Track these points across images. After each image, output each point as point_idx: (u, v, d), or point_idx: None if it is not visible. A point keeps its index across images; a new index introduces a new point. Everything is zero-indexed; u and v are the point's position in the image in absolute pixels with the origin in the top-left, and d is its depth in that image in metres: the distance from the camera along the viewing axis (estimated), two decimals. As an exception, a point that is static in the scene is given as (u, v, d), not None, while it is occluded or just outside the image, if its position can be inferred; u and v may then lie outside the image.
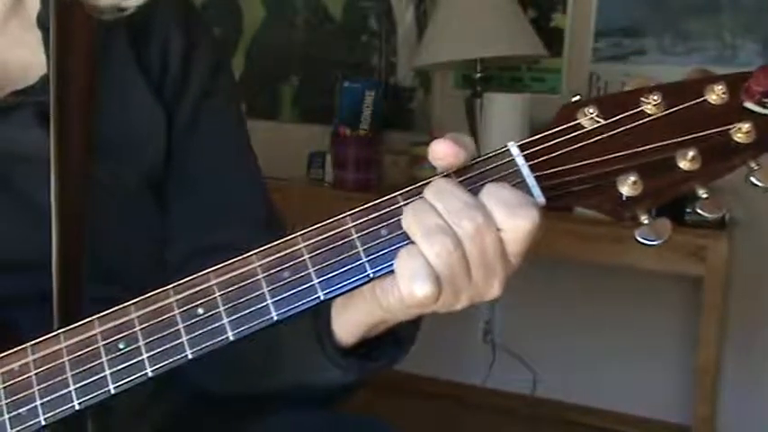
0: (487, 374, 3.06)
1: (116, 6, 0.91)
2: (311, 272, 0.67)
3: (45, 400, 0.71)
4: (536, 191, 0.66)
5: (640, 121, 0.66)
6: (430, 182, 0.67)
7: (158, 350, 0.69)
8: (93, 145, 0.86)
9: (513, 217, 0.64)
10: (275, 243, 0.68)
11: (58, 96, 0.85)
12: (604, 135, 0.66)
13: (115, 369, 0.69)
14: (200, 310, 0.68)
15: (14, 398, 0.71)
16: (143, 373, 0.69)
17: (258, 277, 0.68)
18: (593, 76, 2.80)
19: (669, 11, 2.70)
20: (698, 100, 0.66)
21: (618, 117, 0.66)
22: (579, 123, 0.67)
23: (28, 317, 0.76)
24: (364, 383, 0.84)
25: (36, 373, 0.71)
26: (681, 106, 0.66)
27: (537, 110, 2.48)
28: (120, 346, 0.69)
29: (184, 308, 0.69)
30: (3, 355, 0.73)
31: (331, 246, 0.67)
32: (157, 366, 0.69)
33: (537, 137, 0.67)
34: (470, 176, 0.67)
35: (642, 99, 0.66)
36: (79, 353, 0.70)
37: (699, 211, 0.65)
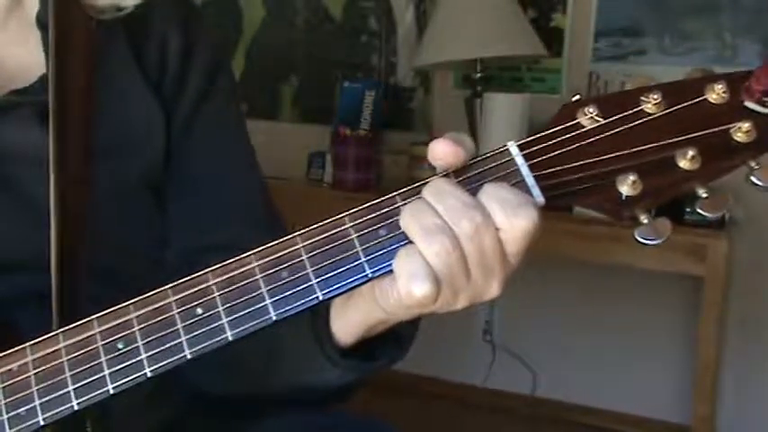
0: (487, 374, 3.06)
1: (114, 6, 0.91)
2: (310, 272, 0.67)
3: (44, 399, 0.70)
4: (535, 190, 0.66)
5: (640, 121, 0.66)
6: (429, 182, 0.67)
7: (157, 350, 0.69)
8: (92, 144, 0.86)
9: (512, 217, 0.64)
10: (274, 243, 0.68)
11: (57, 96, 0.85)
12: (604, 134, 0.66)
13: (114, 369, 0.69)
14: (199, 310, 0.68)
15: (13, 398, 0.71)
16: (142, 373, 0.69)
17: (257, 277, 0.68)
18: (593, 76, 2.80)
19: (669, 11, 2.70)
20: (698, 99, 0.66)
21: (617, 116, 0.66)
22: (579, 123, 0.66)
23: (27, 317, 0.76)
24: (364, 383, 0.84)
25: (35, 373, 0.71)
26: (681, 105, 0.66)
27: (537, 110, 2.48)
28: (119, 346, 0.69)
29: (183, 308, 0.69)
30: (2, 354, 0.73)
31: (329, 246, 0.67)
32: (156, 366, 0.69)
33: (536, 136, 0.67)
34: (469, 176, 0.67)
35: (642, 98, 0.66)
36: (78, 353, 0.70)
37: (699, 210, 0.65)
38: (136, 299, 0.70)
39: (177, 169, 0.94)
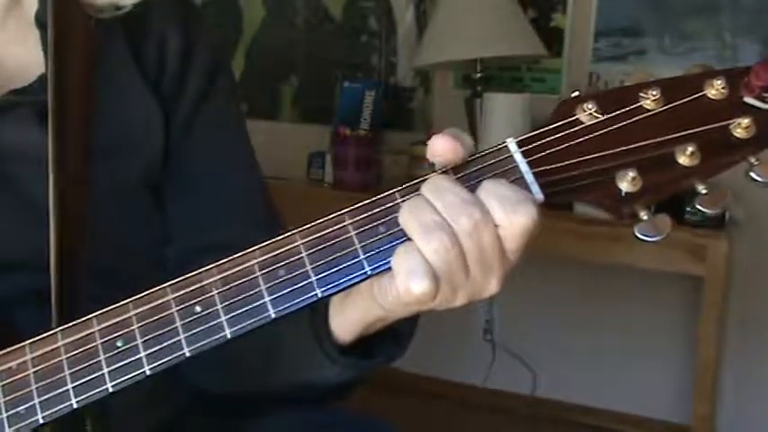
0: (487, 374, 3.05)
1: (113, 5, 0.91)
2: (309, 269, 0.67)
3: (43, 398, 0.70)
4: (534, 187, 0.66)
5: (639, 117, 0.66)
6: (427, 179, 0.67)
7: (156, 348, 0.69)
8: (91, 144, 0.86)
9: (510, 213, 0.64)
10: (272, 241, 0.68)
11: (56, 95, 0.85)
12: (603, 131, 0.66)
13: (113, 367, 0.69)
14: (198, 308, 0.68)
15: (12, 396, 0.71)
16: (141, 371, 0.69)
17: (256, 275, 0.68)
18: (593, 76, 2.80)
19: (669, 11, 2.70)
20: (697, 95, 0.66)
21: (616, 112, 0.66)
22: (578, 119, 0.66)
23: (27, 316, 0.76)
24: (362, 381, 0.84)
25: (34, 372, 0.71)
26: (680, 101, 0.65)
27: (537, 110, 2.49)
28: (118, 344, 0.69)
29: (182, 306, 0.69)
30: (1, 353, 0.73)
31: (328, 243, 0.67)
32: (155, 364, 0.69)
33: (535, 132, 0.67)
34: (468, 173, 0.67)
35: (641, 94, 0.66)
36: (77, 351, 0.70)
37: (698, 206, 0.65)
38: (135, 297, 0.70)
39: (177, 169, 0.94)
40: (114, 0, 0.91)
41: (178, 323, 0.68)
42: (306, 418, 0.95)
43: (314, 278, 0.67)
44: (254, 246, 0.69)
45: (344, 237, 0.67)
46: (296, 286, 0.67)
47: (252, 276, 0.68)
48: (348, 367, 0.80)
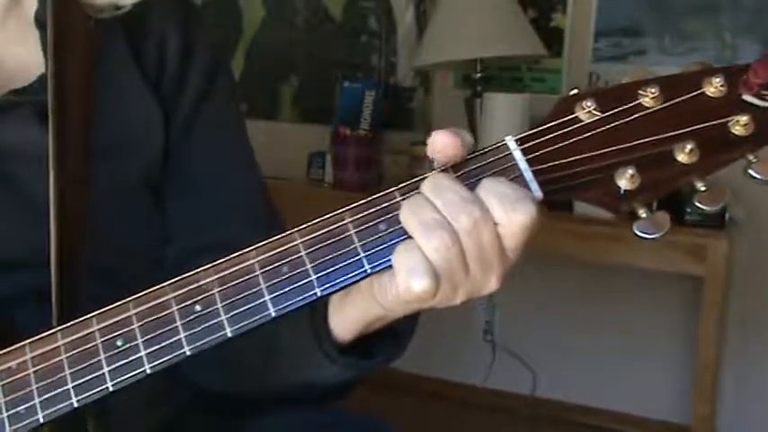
0: (487, 374, 3.05)
1: (113, 5, 0.91)
2: (309, 268, 0.67)
3: (43, 397, 0.71)
4: (533, 185, 0.66)
5: (638, 114, 0.66)
6: (427, 177, 0.67)
7: (156, 347, 0.69)
8: (91, 144, 0.86)
9: (510, 212, 0.64)
10: (272, 239, 0.68)
11: (56, 95, 0.85)
12: (602, 128, 0.66)
13: (113, 366, 0.69)
14: (198, 307, 0.68)
15: (13, 396, 0.71)
16: (141, 370, 0.69)
17: (256, 273, 0.68)
18: (594, 76, 2.80)
19: (669, 11, 2.70)
20: (696, 92, 0.66)
21: (615, 110, 0.66)
22: (576, 117, 0.66)
23: (27, 315, 0.76)
24: (362, 381, 0.84)
25: (34, 371, 0.71)
26: (679, 99, 0.65)
27: (537, 110, 2.48)
28: (118, 343, 0.69)
29: (182, 305, 0.69)
30: (1, 352, 0.73)
31: (328, 241, 0.67)
32: (155, 363, 0.69)
33: (534, 130, 0.67)
34: (468, 171, 0.67)
35: (640, 92, 0.66)
36: (77, 350, 0.70)
37: (697, 204, 0.65)
38: (135, 296, 0.70)
39: (177, 169, 0.94)
40: (114, 0, 0.90)
41: (178, 322, 0.68)
42: (306, 418, 0.95)
43: (314, 276, 0.67)
44: (254, 244, 0.69)
45: (344, 235, 0.67)
46: (296, 285, 0.67)
47: (252, 275, 0.68)
48: (347, 367, 0.80)
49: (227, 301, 0.68)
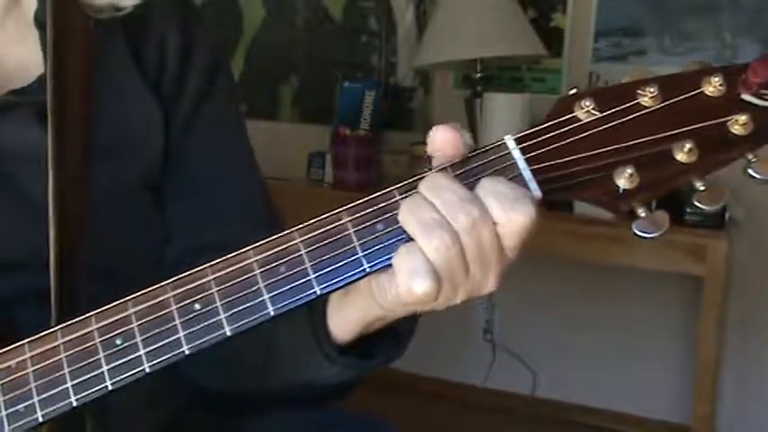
0: (487, 374, 3.05)
1: (113, 5, 0.91)
2: (308, 267, 0.67)
3: (42, 396, 0.71)
4: (532, 184, 0.66)
5: (637, 114, 0.66)
6: (425, 176, 0.67)
7: (155, 346, 0.69)
8: (91, 144, 0.86)
9: (509, 211, 0.64)
10: (272, 238, 0.68)
11: (56, 95, 0.85)
12: (601, 128, 0.66)
13: (112, 365, 0.69)
14: (198, 306, 0.68)
15: (12, 395, 0.71)
16: (140, 368, 0.69)
17: (255, 273, 0.68)
18: (593, 76, 2.80)
19: (669, 11, 2.70)
20: (695, 92, 0.66)
21: (614, 110, 0.66)
22: (575, 116, 0.66)
23: (27, 315, 0.76)
24: (362, 381, 0.84)
25: (33, 370, 0.71)
26: (677, 98, 0.65)
27: (537, 110, 2.48)
28: (118, 342, 0.69)
29: (181, 304, 0.69)
30: (0, 351, 0.72)
31: (327, 241, 0.67)
32: (155, 362, 0.69)
33: (533, 130, 0.67)
34: (467, 170, 0.67)
35: (639, 91, 0.66)
36: (76, 349, 0.70)
37: (696, 203, 0.65)
38: (134, 295, 0.70)
39: (177, 169, 0.94)
40: (114, 1, 0.90)
41: (177, 321, 0.68)
42: (305, 418, 0.95)
43: (312, 276, 0.67)
44: (253, 243, 0.69)
45: (343, 235, 0.67)
46: (295, 284, 0.67)
47: (251, 274, 0.68)
48: (347, 367, 0.80)
49: (226, 300, 0.68)
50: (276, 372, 0.87)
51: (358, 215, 0.67)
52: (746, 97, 0.65)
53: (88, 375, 0.69)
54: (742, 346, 2.73)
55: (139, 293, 0.70)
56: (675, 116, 0.65)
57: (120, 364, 0.69)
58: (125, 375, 0.69)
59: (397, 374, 2.39)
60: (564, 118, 0.67)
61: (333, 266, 0.67)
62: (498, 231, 0.65)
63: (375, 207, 0.67)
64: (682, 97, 0.66)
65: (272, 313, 0.67)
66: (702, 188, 0.65)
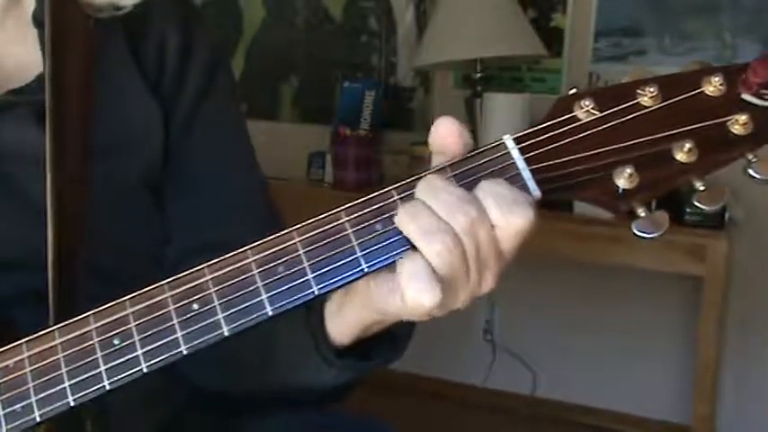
0: (487, 374, 3.05)
1: (112, 5, 0.90)
2: (306, 266, 0.67)
3: (40, 396, 0.70)
4: (531, 184, 0.66)
5: (636, 114, 0.65)
6: (422, 177, 0.66)
7: (153, 346, 0.68)
8: (90, 144, 0.86)
9: (507, 214, 0.64)
10: (270, 238, 0.68)
11: (54, 95, 0.85)
12: (600, 128, 0.66)
13: (110, 365, 0.69)
14: (196, 306, 0.68)
15: (9, 394, 0.71)
16: (138, 368, 0.69)
17: (253, 272, 0.68)
18: (593, 76, 2.80)
19: (669, 11, 2.70)
20: (695, 92, 0.65)
21: (614, 109, 0.66)
22: (575, 116, 0.66)
23: (26, 315, 0.76)
24: (360, 383, 0.84)
25: (31, 370, 0.71)
26: (677, 98, 0.65)
27: (537, 110, 2.48)
28: (115, 342, 0.69)
29: (179, 303, 0.68)
30: (-2, 351, 0.72)
31: (325, 241, 0.67)
32: (152, 362, 0.69)
33: (532, 130, 0.67)
34: (465, 170, 0.67)
35: (638, 91, 0.65)
36: (74, 349, 0.70)
37: (696, 203, 0.65)
38: (132, 294, 0.70)
39: (177, 169, 0.94)
40: (113, 0, 0.90)
41: (175, 321, 0.68)
42: (304, 419, 0.95)
43: (310, 276, 0.67)
44: (252, 243, 0.69)
45: (341, 234, 0.67)
46: (293, 283, 0.67)
47: (249, 274, 0.68)
48: (344, 369, 0.80)
49: (224, 300, 0.68)
50: (273, 372, 0.87)
51: (356, 215, 0.67)
52: (746, 97, 0.65)
53: (86, 375, 0.69)
54: (742, 346, 2.73)
55: (137, 293, 0.70)
56: (675, 116, 0.65)
57: (117, 364, 0.69)
58: (123, 375, 0.69)
59: (397, 375, 2.39)
60: (563, 118, 0.67)
61: (331, 266, 0.67)
62: (496, 234, 0.65)
63: (373, 207, 0.67)
64: (682, 97, 0.65)
65: (271, 313, 0.67)
66: (702, 188, 0.65)
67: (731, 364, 2.72)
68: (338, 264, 0.66)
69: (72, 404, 0.70)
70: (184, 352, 0.68)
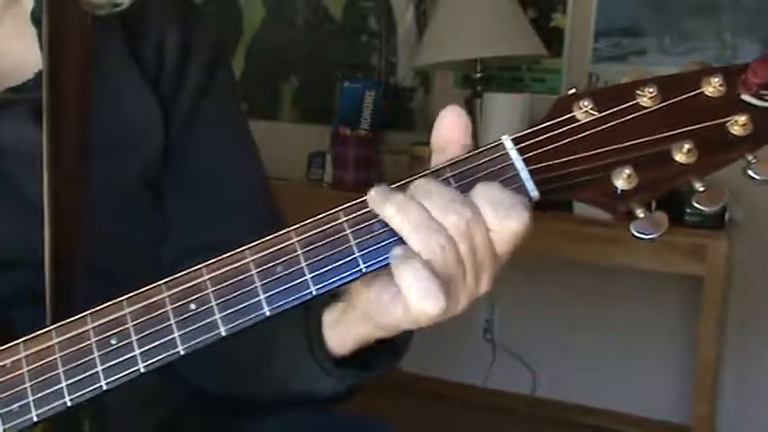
0: (487, 374, 3.05)
1: (111, 2, 0.90)
2: (304, 266, 0.66)
3: (37, 396, 0.70)
4: (530, 184, 0.66)
5: (635, 114, 0.65)
6: (417, 178, 0.66)
7: (150, 346, 0.68)
8: (88, 142, 0.86)
9: (503, 219, 0.63)
10: (268, 238, 0.68)
11: (52, 93, 0.84)
12: (599, 128, 0.65)
13: (107, 365, 0.69)
14: (193, 306, 0.68)
15: (6, 394, 0.71)
16: (135, 368, 0.68)
17: (251, 272, 0.67)
18: (593, 76, 2.80)
19: (669, 11, 2.70)
20: (694, 92, 0.65)
21: (613, 110, 0.65)
22: (574, 116, 0.66)
23: (24, 315, 0.76)
24: (362, 387, 0.84)
25: (28, 370, 0.71)
26: (677, 99, 0.65)
27: (537, 110, 2.48)
28: (113, 341, 0.69)
29: (177, 303, 0.68)
30: (-5, 351, 0.72)
31: (324, 241, 0.67)
32: (149, 362, 0.68)
33: (531, 130, 0.67)
34: (464, 170, 0.66)
35: (638, 92, 0.65)
36: (71, 349, 0.70)
37: (695, 204, 0.64)
38: (129, 294, 0.70)
39: (177, 168, 0.94)
40: None
41: (172, 321, 0.68)
42: (304, 419, 0.95)
43: (308, 276, 0.66)
44: (250, 243, 0.69)
45: (340, 234, 0.66)
46: (291, 284, 0.67)
47: (247, 274, 0.67)
48: (343, 379, 0.80)
49: (222, 300, 0.67)
50: (271, 374, 0.87)
51: (355, 215, 0.67)
52: (746, 98, 0.64)
53: (83, 375, 0.69)
54: (742, 346, 2.73)
55: (134, 293, 0.69)
56: (675, 116, 0.65)
57: (114, 364, 0.69)
58: (120, 375, 0.69)
59: (397, 374, 2.38)
60: (562, 118, 0.66)
61: (329, 267, 0.66)
62: (491, 237, 0.65)
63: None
64: (681, 97, 0.65)
65: (268, 313, 0.67)
66: (702, 189, 0.65)
67: (731, 364, 2.72)
68: (336, 264, 0.66)
69: (69, 404, 0.70)
70: (182, 352, 0.68)
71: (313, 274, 0.66)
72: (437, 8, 2.72)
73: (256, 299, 0.67)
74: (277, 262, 0.67)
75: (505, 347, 3.03)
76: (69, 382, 0.69)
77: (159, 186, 0.93)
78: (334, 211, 0.67)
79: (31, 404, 0.70)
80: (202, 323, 0.68)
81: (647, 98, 0.65)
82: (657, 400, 2.85)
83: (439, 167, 0.67)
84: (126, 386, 0.69)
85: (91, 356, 0.69)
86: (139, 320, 0.69)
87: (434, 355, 2.88)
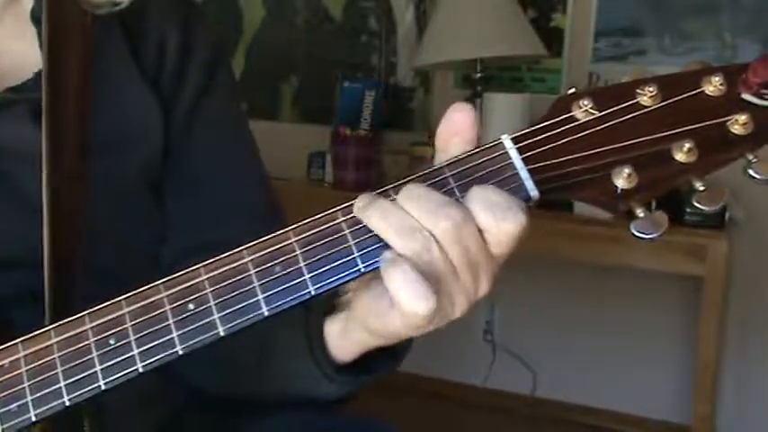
0: (487, 374, 3.05)
1: (110, 1, 0.90)
2: (302, 266, 0.66)
3: (35, 395, 0.70)
4: (529, 184, 0.65)
5: (636, 113, 0.65)
6: (405, 183, 0.66)
7: (149, 346, 0.68)
8: (88, 141, 0.86)
9: (500, 220, 0.63)
10: (266, 238, 0.68)
11: (51, 92, 0.84)
12: (599, 127, 0.65)
13: (106, 365, 0.69)
14: (191, 306, 0.68)
15: (5, 394, 0.71)
16: (133, 368, 0.68)
17: (250, 272, 0.67)
18: (593, 76, 2.80)
19: (669, 11, 2.71)
20: (695, 91, 0.65)
21: (612, 109, 0.65)
22: (573, 116, 0.66)
23: (24, 315, 0.75)
24: (362, 391, 0.84)
25: (26, 369, 0.70)
26: (677, 98, 0.65)
27: (537, 110, 2.48)
28: (111, 341, 0.69)
29: (175, 303, 0.68)
30: (-7, 350, 0.72)
31: (322, 240, 0.66)
32: (148, 362, 0.68)
33: (530, 129, 0.66)
34: (463, 169, 0.66)
35: (638, 91, 0.65)
36: (70, 349, 0.70)
37: (696, 203, 0.64)
38: (128, 294, 0.70)
39: (177, 167, 0.94)
40: None
41: (171, 321, 0.68)
42: (304, 420, 0.95)
43: (307, 276, 0.66)
44: (249, 243, 0.68)
45: (338, 234, 0.66)
46: (289, 284, 0.66)
47: (246, 274, 0.67)
48: (345, 384, 0.80)
49: (220, 300, 0.67)
50: (270, 374, 0.87)
51: (353, 215, 0.66)
52: (747, 97, 0.64)
53: (81, 375, 0.69)
54: (742, 346, 2.73)
55: (133, 293, 0.69)
56: (675, 116, 0.65)
57: (113, 364, 0.69)
58: (118, 375, 0.68)
59: (397, 374, 2.38)
60: (561, 117, 0.66)
61: (328, 266, 0.66)
62: (487, 239, 0.64)
63: None
64: (681, 97, 0.65)
65: (267, 313, 0.67)
66: (702, 188, 0.64)
67: (731, 364, 2.72)
68: (335, 264, 0.66)
69: (67, 404, 0.69)
70: (180, 352, 0.68)
71: (311, 274, 0.66)
72: (437, 8, 2.72)
73: (255, 299, 0.67)
74: (275, 262, 0.67)
75: (505, 347, 3.03)
76: (68, 381, 0.69)
77: (159, 186, 0.93)
78: (332, 210, 0.67)
79: (30, 404, 0.70)
80: (201, 323, 0.67)
81: (647, 97, 0.65)
82: (657, 400, 2.85)
83: (438, 167, 0.67)
84: (124, 386, 0.69)
85: (89, 356, 0.69)
86: (138, 320, 0.68)
87: (434, 355, 2.87)
